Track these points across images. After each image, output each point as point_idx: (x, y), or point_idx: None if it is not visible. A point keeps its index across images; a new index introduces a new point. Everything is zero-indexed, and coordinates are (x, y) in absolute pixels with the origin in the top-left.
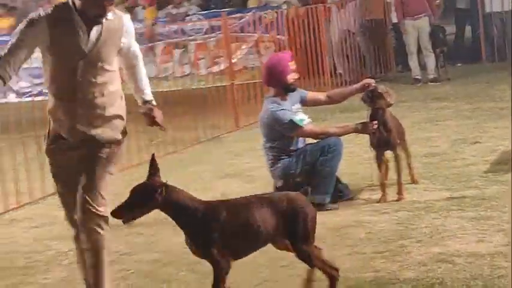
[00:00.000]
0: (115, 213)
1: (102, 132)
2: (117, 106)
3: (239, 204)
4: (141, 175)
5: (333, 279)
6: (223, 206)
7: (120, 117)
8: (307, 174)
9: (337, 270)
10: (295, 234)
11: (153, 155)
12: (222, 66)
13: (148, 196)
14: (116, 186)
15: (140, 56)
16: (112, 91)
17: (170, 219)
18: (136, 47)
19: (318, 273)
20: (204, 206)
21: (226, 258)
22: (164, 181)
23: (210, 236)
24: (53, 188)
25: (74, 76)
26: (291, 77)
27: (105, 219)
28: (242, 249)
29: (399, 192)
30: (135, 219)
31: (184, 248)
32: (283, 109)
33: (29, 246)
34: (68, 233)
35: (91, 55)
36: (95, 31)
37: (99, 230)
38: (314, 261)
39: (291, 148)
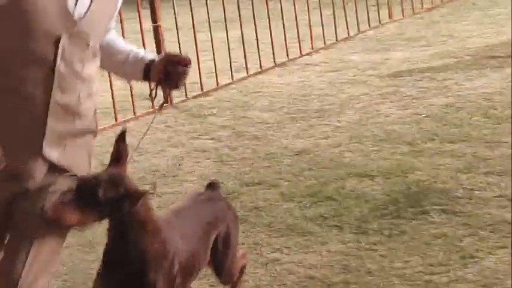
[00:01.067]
0: None
1: (65, 158)
2: (90, 119)
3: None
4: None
5: None
6: None
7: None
8: None
9: None
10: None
11: None
12: None
13: None
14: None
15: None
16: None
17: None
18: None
19: None
20: None
21: None
22: None
23: None
24: (344, 34)
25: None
26: None
27: None
28: None
29: None
30: None
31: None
32: None
33: (323, 90)
34: (360, 77)
35: (80, 27)
36: None
37: None
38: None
39: None
